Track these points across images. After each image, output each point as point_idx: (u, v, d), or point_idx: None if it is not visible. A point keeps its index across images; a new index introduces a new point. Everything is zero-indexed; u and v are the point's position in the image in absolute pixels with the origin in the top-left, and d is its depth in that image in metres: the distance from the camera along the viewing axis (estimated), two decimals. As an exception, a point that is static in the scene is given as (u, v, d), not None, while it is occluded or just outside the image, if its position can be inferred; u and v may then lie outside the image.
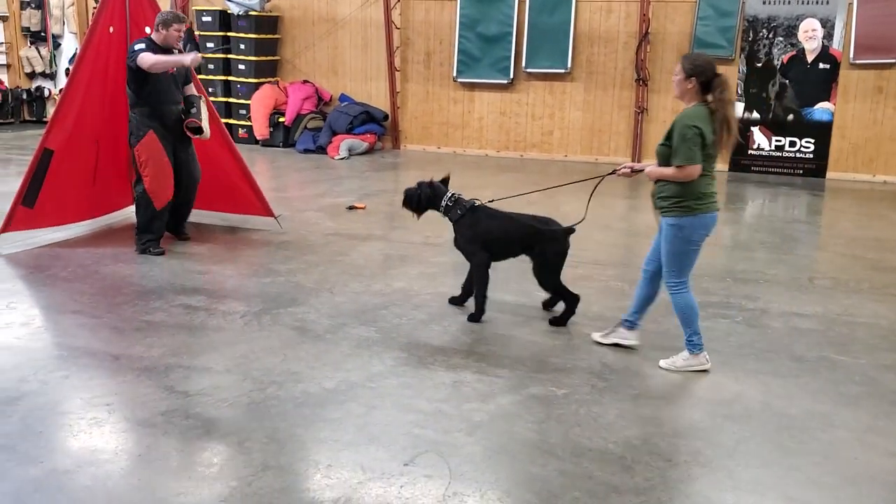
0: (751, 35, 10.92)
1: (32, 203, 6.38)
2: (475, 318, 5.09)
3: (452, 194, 5.20)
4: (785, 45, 10.81)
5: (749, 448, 3.59)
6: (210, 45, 12.52)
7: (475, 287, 5.13)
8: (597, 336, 4.77)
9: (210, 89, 11.57)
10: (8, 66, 14.76)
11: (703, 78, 4.14)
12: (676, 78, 4.22)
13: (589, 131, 11.83)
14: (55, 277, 5.86)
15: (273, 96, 12.44)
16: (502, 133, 12.25)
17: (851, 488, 3.31)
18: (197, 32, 12.75)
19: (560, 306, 5.20)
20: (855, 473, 3.41)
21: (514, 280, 5.70)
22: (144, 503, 3.09)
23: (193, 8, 12.98)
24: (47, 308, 5.37)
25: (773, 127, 11.01)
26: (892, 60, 10.40)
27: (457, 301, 5.37)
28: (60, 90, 14.15)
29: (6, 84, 14.66)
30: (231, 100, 12.72)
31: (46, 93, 14.91)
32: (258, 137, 12.47)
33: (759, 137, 11.08)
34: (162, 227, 6.61)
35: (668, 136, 4.20)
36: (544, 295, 5.26)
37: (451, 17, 12.09)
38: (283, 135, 12.44)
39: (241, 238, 7.10)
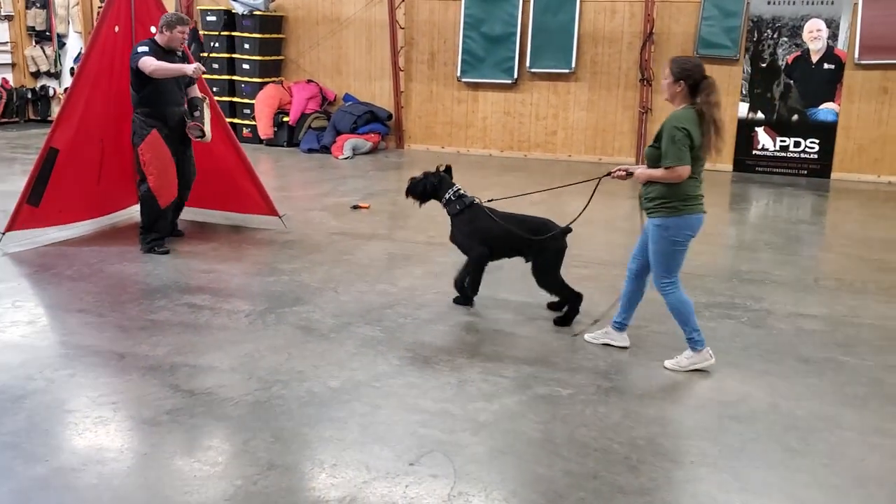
0: (755, 35, 10.90)
1: (38, 202, 6.40)
2: (462, 301, 5.24)
3: (458, 189, 5.22)
4: (790, 46, 10.79)
5: (755, 449, 3.58)
6: (215, 44, 12.53)
7: (470, 274, 5.19)
8: (588, 336, 4.78)
9: (214, 88, 11.57)
10: (13, 65, 14.79)
11: (690, 81, 4.18)
12: (665, 81, 4.28)
13: (593, 131, 11.82)
14: (60, 276, 5.86)
15: (277, 96, 12.45)
16: (506, 133, 12.24)
17: (858, 490, 3.30)
18: (201, 32, 12.77)
19: (562, 307, 5.21)
20: (862, 475, 3.40)
21: (518, 280, 5.69)
22: (150, 502, 3.10)
23: (198, 7, 13.00)
24: (53, 306, 5.38)
25: (778, 127, 10.99)
26: (898, 61, 10.39)
27: (461, 301, 5.37)
28: (65, 89, 14.16)
29: (11, 83, 14.69)
30: (235, 99, 12.73)
31: (51, 92, 14.93)
32: (262, 137, 12.47)
33: (763, 138, 11.06)
34: (167, 226, 6.63)
35: (657, 139, 4.25)
36: (549, 295, 5.25)
37: (456, 17, 12.08)
38: (287, 134, 12.45)
39: (246, 237, 7.10)
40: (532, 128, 12.11)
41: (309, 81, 12.67)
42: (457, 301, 5.38)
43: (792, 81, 10.84)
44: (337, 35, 12.78)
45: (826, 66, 10.67)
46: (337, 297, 5.52)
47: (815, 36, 10.65)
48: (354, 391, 4.05)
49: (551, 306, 5.30)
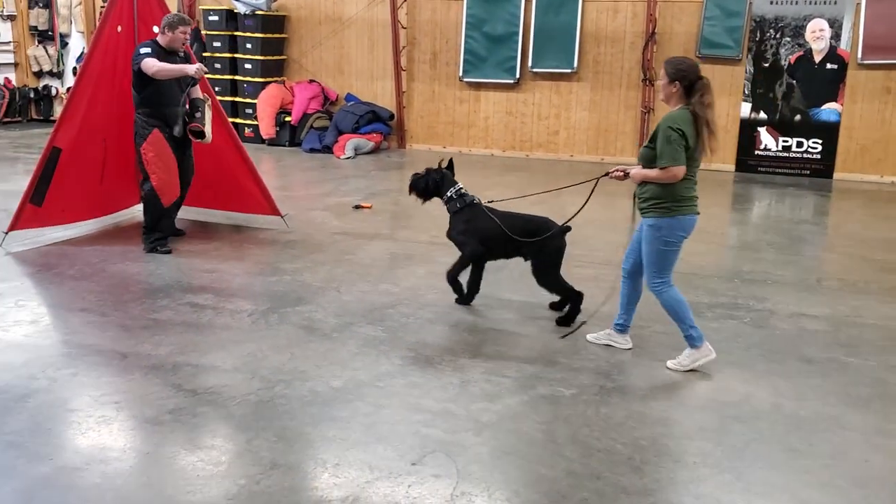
0: (758, 35, 10.89)
1: (41, 201, 6.40)
2: (461, 299, 5.29)
3: (460, 188, 5.24)
4: (792, 46, 10.78)
5: (758, 449, 3.58)
6: (217, 44, 12.54)
7: (456, 263, 5.22)
8: (590, 337, 4.79)
9: (217, 88, 11.56)
10: (16, 64, 14.81)
11: (686, 82, 4.20)
12: (661, 82, 4.30)
13: (595, 131, 11.81)
14: (63, 275, 5.87)
15: (279, 96, 12.45)
16: (508, 133, 12.24)
17: (861, 490, 3.29)
18: (203, 32, 12.78)
19: (565, 307, 5.21)
20: (865, 476, 3.40)
21: (520, 279, 5.69)
22: (153, 501, 3.10)
23: (200, 7, 13.01)
24: (55, 306, 5.38)
25: (780, 127, 10.98)
26: (901, 61, 10.37)
27: (464, 301, 5.37)
28: (68, 89, 14.19)
29: (14, 83, 14.71)
30: (237, 99, 12.74)
31: (54, 92, 14.95)
32: (264, 137, 12.48)
33: (766, 138, 11.05)
34: (170, 225, 6.64)
35: (652, 139, 4.26)
36: (552, 295, 5.25)
37: (458, 17, 12.08)
38: (289, 134, 12.45)
39: (248, 237, 7.11)
40: (534, 128, 12.11)
41: (311, 81, 12.68)
42: (459, 301, 5.38)
43: (794, 81, 10.83)
44: (339, 35, 12.79)
45: (829, 66, 10.65)
46: (339, 296, 5.52)
47: (817, 36, 10.64)
48: (357, 391, 4.05)
49: (553, 306, 5.30)
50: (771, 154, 11.07)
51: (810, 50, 10.71)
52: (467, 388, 4.12)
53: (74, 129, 6.42)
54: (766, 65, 10.92)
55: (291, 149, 12.30)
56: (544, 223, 5.09)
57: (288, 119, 12.38)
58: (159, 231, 6.48)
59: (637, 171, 4.35)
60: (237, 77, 12.70)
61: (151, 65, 6.06)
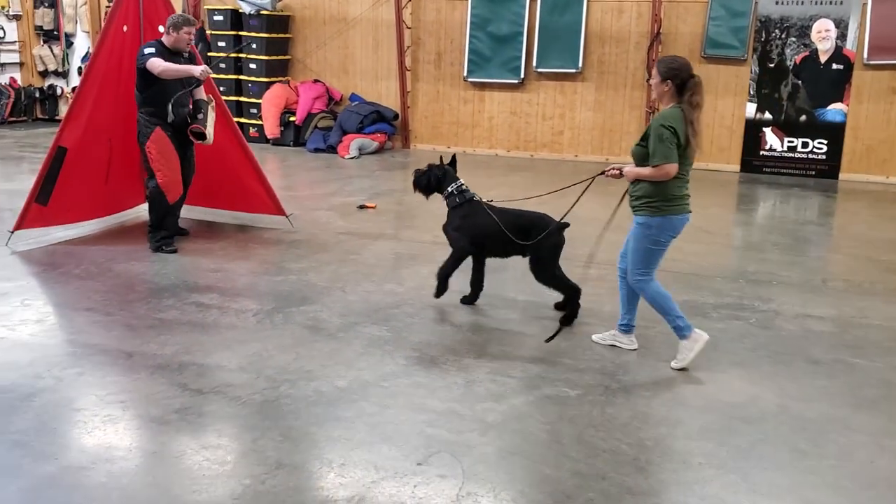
0: (763, 35, 10.87)
1: (46, 200, 6.42)
2: (437, 295, 5.27)
3: (461, 184, 5.26)
4: (798, 46, 10.76)
5: (764, 450, 3.57)
6: (221, 44, 12.55)
7: (445, 264, 5.23)
8: (595, 337, 4.79)
9: (221, 88, 11.58)
10: (21, 64, 14.84)
11: (678, 80, 4.22)
12: (653, 81, 4.32)
13: (600, 131, 11.80)
14: (68, 275, 5.88)
15: (284, 95, 12.46)
16: (512, 133, 12.23)
17: (868, 492, 3.28)
18: (208, 31, 12.79)
19: (575, 317, 5.21)
20: (872, 477, 3.39)
21: (525, 279, 5.67)
22: (159, 500, 3.10)
23: (205, 7, 13.02)
24: (61, 305, 5.39)
25: (786, 128, 10.95)
26: (907, 61, 10.34)
27: (468, 300, 5.37)
28: (73, 88, 14.22)
29: (19, 82, 14.75)
30: (242, 99, 12.75)
31: (59, 91, 14.98)
32: (269, 136, 12.49)
33: (771, 138, 11.03)
34: (174, 223, 6.65)
35: (644, 137, 4.28)
36: (556, 295, 5.25)
37: (462, 17, 12.08)
38: (293, 134, 12.46)
39: (253, 236, 7.11)
40: (538, 128, 12.10)
41: (315, 81, 12.69)
42: (463, 301, 5.38)
43: (800, 82, 10.81)
44: (344, 35, 12.79)
45: (834, 66, 10.63)
46: (344, 296, 5.52)
47: (823, 36, 10.61)
48: (362, 391, 4.05)
49: (558, 306, 5.29)
50: (776, 154, 11.05)
51: (816, 50, 10.68)
52: (472, 389, 4.11)
53: (80, 129, 6.43)
54: (772, 65, 10.90)
55: (296, 149, 12.31)
56: (541, 220, 5.11)
57: (292, 119, 12.39)
58: (165, 229, 6.49)
59: (630, 169, 4.39)
60: (242, 77, 12.71)
61: (157, 65, 6.08)
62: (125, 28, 6.59)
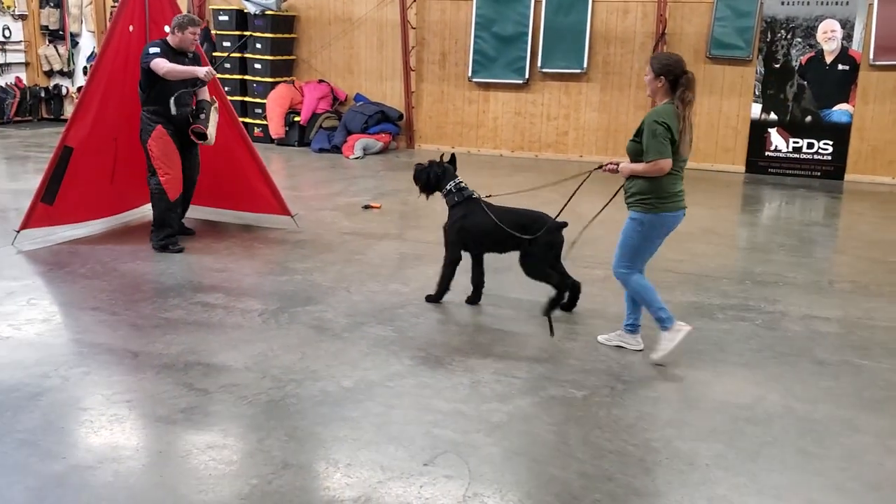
0: (769, 36, 10.85)
1: (52, 200, 6.43)
2: (433, 298, 5.34)
3: (459, 182, 5.28)
4: (803, 46, 10.73)
5: (771, 452, 3.56)
6: (226, 43, 12.57)
7: (441, 273, 5.31)
8: (601, 338, 4.79)
9: (226, 88, 11.60)
10: (27, 64, 14.88)
11: (671, 77, 4.25)
12: (647, 78, 4.36)
13: (605, 132, 11.79)
14: (74, 274, 5.89)
15: (289, 95, 12.47)
16: (517, 133, 12.22)
17: (875, 494, 3.27)
18: (213, 32, 12.81)
19: (575, 306, 5.26)
20: (879, 479, 3.38)
21: (531, 279, 5.67)
22: (165, 500, 3.10)
23: (210, 7, 13.04)
24: (67, 304, 5.40)
25: (791, 128, 10.93)
26: (913, 62, 10.32)
27: (473, 300, 5.37)
28: (78, 88, 14.25)
29: (25, 82, 14.78)
30: (247, 99, 12.77)
31: (64, 91, 15.02)
32: (273, 136, 12.50)
33: (776, 139, 11.01)
34: (177, 220, 6.65)
35: (638, 133, 4.31)
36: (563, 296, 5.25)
37: (467, 17, 12.08)
38: (298, 134, 12.47)
39: (258, 236, 7.12)
40: (543, 128, 12.09)
41: (320, 81, 12.69)
42: (468, 301, 5.38)
43: (805, 82, 10.79)
44: (348, 35, 12.80)
45: (840, 66, 10.61)
46: (349, 296, 5.52)
47: (829, 37, 10.59)
48: (368, 391, 4.05)
49: (563, 307, 5.28)
50: (781, 155, 11.02)
51: (821, 51, 10.66)
52: (478, 389, 4.11)
53: (86, 129, 6.45)
54: (777, 65, 10.88)
55: (300, 149, 12.32)
56: (541, 218, 5.12)
57: (297, 119, 12.40)
58: (168, 226, 6.51)
59: (625, 165, 4.43)
60: (247, 77, 12.73)
61: (161, 65, 6.10)
62: (131, 28, 6.60)
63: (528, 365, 4.43)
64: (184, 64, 6.31)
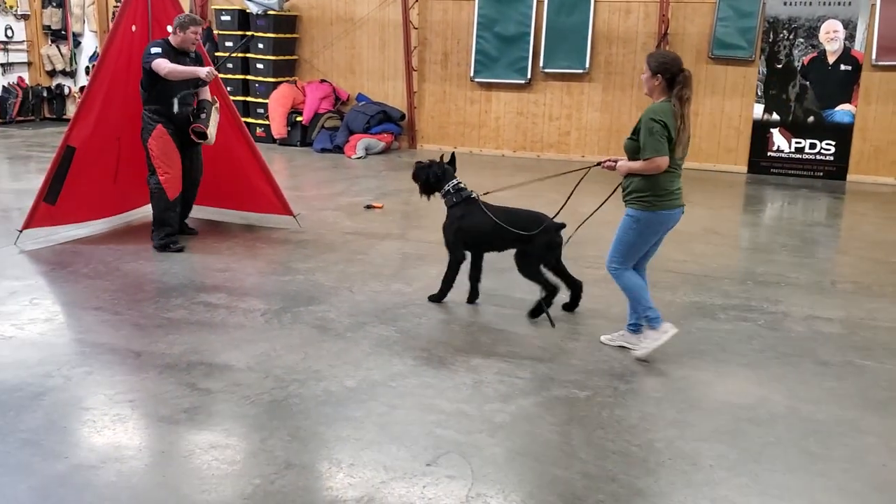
0: (771, 36, 10.84)
1: (54, 200, 6.44)
2: (436, 298, 5.36)
3: (457, 182, 5.31)
4: (806, 47, 10.72)
5: (775, 453, 3.56)
6: (229, 43, 12.57)
7: (445, 274, 5.33)
8: (604, 338, 4.79)
9: (229, 88, 11.59)
10: (29, 63, 14.89)
11: (668, 75, 4.26)
12: (644, 76, 4.38)
13: (607, 132, 11.78)
14: (77, 274, 5.89)
15: (291, 95, 12.47)
16: (519, 133, 12.22)
17: (879, 495, 3.27)
18: (216, 31, 12.82)
19: (577, 306, 5.26)
20: (883, 480, 3.37)
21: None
22: (169, 500, 3.10)
23: (213, 7, 13.05)
24: (69, 304, 5.41)
25: (793, 129, 10.92)
26: (915, 62, 10.30)
27: (471, 299, 5.38)
28: (80, 88, 14.26)
29: (27, 82, 14.79)
30: (249, 99, 12.77)
31: (66, 91, 15.03)
32: (276, 136, 12.51)
33: (778, 139, 10.99)
34: (176, 219, 6.66)
35: (636, 131, 4.33)
36: (565, 296, 5.25)
37: (469, 18, 12.07)
38: (300, 134, 12.47)
39: (261, 236, 7.12)
40: (545, 128, 12.09)
41: (322, 81, 12.70)
42: (468, 300, 5.38)
43: (808, 83, 10.77)
44: (350, 35, 12.80)
45: (842, 67, 10.59)
46: (352, 296, 5.52)
47: (831, 37, 10.57)
48: (370, 391, 4.05)
49: (566, 307, 5.29)
50: (784, 155, 11.01)
51: (824, 51, 10.65)
52: (481, 389, 4.11)
53: (89, 128, 6.45)
54: (780, 66, 10.86)
55: (303, 148, 12.33)
56: (538, 218, 5.12)
57: (299, 119, 12.41)
58: (168, 225, 6.51)
59: (622, 163, 4.44)
60: (249, 77, 12.73)
61: (163, 66, 6.10)
62: (134, 28, 6.61)
63: (531, 365, 4.43)
64: (185, 63, 6.32)
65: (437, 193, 5.42)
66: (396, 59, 12.53)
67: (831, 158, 10.80)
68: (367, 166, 11.08)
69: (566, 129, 11.98)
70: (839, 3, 10.49)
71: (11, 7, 14.48)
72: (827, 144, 10.79)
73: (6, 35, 14.45)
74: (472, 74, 12.16)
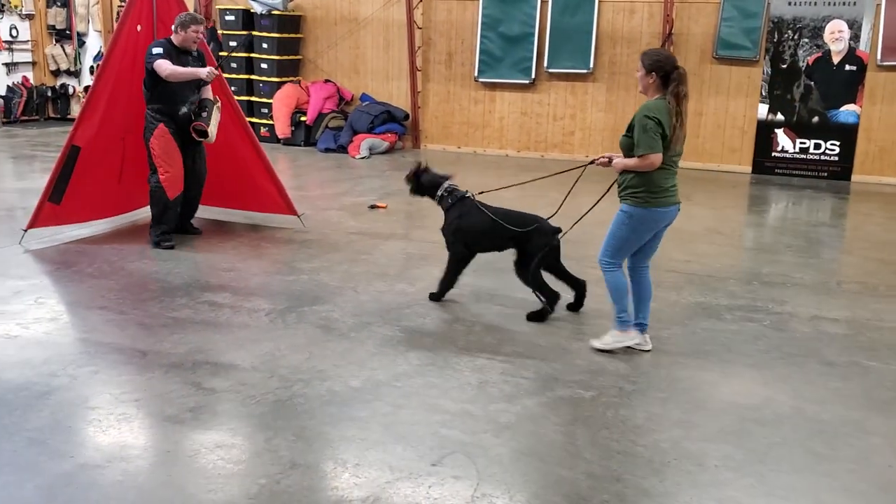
0: (776, 36, 10.81)
1: (59, 199, 6.45)
2: (435, 297, 5.37)
3: (448, 185, 5.35)
4: (810, 47, 10.70)
5: (780, 453, 3.55)
6: (233, 43, 12.58)
7: (446, 271, 5.33)
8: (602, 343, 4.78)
9: (233, 88, 11.61)
10: (34, 63, 14.92)
11: (662, 72, 4.28)
12: (638, 74, 4.40)
13: (611, 132, 11.75)
14: (81, 273, 5.90)
15: (295, 95, 12.48)
16: (523, 133, 12.21)
17: (885, 495, 3.26)
18: (220, 31, 12.83)
19: (581, 306, 5.25)
20: (889, 481, 3.37)
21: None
22: (174, 500, 3.11)
23: (217, 7, 13.06)
24: (74, 304, 5.41)
25: (798, 129, 10.89)
26: (921, 62, 10.27)
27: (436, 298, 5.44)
28: (85, 88, 14.29)
29: (31, 81, 14.82)
30: (253, 98, 12.78)
31: (71, 90, 15.05)
32: (280, 136, 12.51)
33: (783, 139, 10.97)
34: (174, 218, 6.68)
35: (630, 128, 4.34)
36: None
37: (473, 18, 12.07)
38: (304, 134, 12.48)
39: (265, 236, 7.13)
40: (549, 128, 12.08)
41: (326, 81, 12.70)
42: (432, 296, 5.43)
43: (812, 83, 10.75)
44: (355, 35, 12.80)
45: (847, 67, 10.56)
46: (356, 296, 5.52)
47: (836, 37, 10.55)
48: (375, 391, 4.05)
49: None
50: (788, 156, 10.99)
51: (829, 51, 10.62)
52: (485, 389, 4.11)
53: (93, 128, 6.47)
54: (784, 66, 10.84)
55: (307, 148, 12.33)
56: (534, 220, 5.13)
57: (303, 119, 12.41)
58: (165, 224, 6.53)
59: (618, 160, 4.45)
60: (253, 77, 12.74)
61: (164, 67, 6.12)
62: (139, 27, 6.62)
63: (536, 365, 4.43)
64: (188, 62, 6.34)
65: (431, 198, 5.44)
66: (400, 59, 12.53)
67: (836, 159, 10.78)
68: (371, 166, 11.08)
69: (570, 129, 11.97)
70: (844, 4, 10.47)
71: (16, 7, 14.51)
72: (831, 145, 10.77)
73: (11, 35, 14.48)
74: (476, 74, 12.15)
